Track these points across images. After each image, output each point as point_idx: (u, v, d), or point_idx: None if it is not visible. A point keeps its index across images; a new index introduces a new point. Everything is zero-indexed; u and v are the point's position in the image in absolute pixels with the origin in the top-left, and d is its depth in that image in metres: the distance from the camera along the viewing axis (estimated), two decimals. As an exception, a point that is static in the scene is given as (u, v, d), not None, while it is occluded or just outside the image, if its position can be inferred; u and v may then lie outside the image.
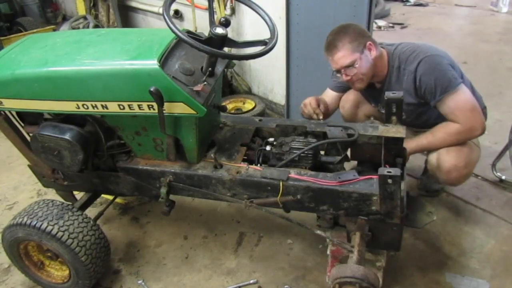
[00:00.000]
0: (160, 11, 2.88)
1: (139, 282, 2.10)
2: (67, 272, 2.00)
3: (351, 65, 1.97)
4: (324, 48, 2.04)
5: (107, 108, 1.67)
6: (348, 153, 1.93)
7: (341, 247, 1.71)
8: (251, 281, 2.06)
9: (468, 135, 1.96)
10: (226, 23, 1.67)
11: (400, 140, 1.74)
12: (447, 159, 1.97)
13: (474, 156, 2.04)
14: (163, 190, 1.84)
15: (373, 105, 2.29)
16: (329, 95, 2.39)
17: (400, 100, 1.77)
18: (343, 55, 1.97)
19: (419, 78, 1.96)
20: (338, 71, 2.03)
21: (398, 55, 2.05)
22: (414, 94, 2.02)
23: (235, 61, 3.72)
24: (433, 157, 2.05)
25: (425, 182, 2.54)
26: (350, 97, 2.34)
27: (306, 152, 1.78)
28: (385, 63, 2.07)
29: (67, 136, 1.77)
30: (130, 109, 1.66)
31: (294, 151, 1.80)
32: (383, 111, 2.18)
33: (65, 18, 6.70)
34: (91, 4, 5.11)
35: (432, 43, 3.74)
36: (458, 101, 1.92)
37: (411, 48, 2.03)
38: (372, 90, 2.20)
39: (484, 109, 2.18)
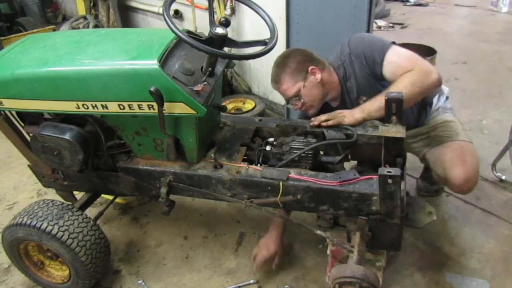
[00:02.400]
0: (160, 11, 2.88)
1: (139, 282, 2.10)
2: (67, 272, 2.00)
3: (296, 96, 2.00)
4: (270, 82, 2.10)
5: (107, 108, 1.67)
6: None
7: (341, 247, 1.71)
8: (251, 281, 2.06)
9: (426, 77, 1.82)
10: (226, 23, 1.67)
11: (400, 140, 1.74)
12: (456, 174, 1.92)
13: (477, 161, 2.02)
14: (163, 190, 1.84)
15: None
16: None
17: (400, 100, 1.77)
18: (287, 88, 2.01)
19: (357, 54, 1.96)
20: (287, 101, 2.07)
21: (337, 55, 2.06)
22: (364, 71, 1.98)
23: (235, 61, 3.72)
24: (439, 172, 2.01)
25: (425, 182, 2.55)
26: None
27: (306, 152, 1.78)
28: (333, 75, 2.05)
29: (67, 136, 1.77)
30: (130, 109, 1.66)
31: (294, 151, 1.80)
32: None
33: (65, 18, 6.70)
34: (91, 4, 5.11)
35: (432, 43, 3.77)
36: (398, 53, 1.89)
37: (341, 43, 2.07)
38: (331, 109, 2.08)
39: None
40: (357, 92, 2.05)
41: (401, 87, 1.78)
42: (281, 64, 2.02)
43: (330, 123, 1.88)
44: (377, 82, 1.98)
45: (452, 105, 2.25)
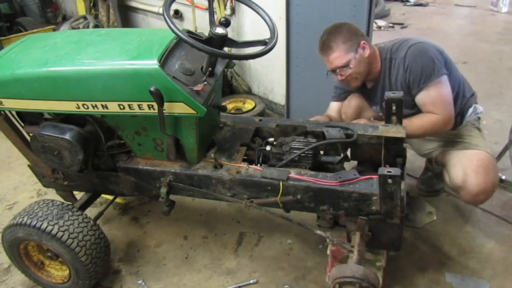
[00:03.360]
0: (160, 11, 2.88)
1: (139, 282, 2.10)
2: (67, 272, 2.00)
3: (346, 66, 2.00)
4: (319, 49, 2.06)
5: (107, 108, 1.67)
6: (348, 153, 1.93)
7: (341, 247, 1.71)
8: (251, 281, 2.06)
9: (442, 127, 1.96)
10: (226, 23, 1.67)
11: (400, 140, 1.74)
12: (476, 183, 1.92)
13: (497, 178, 2.03)
14: (163, 190, 1.84)
15: (373, 108, 2.29)
16: (335, 108, 2.36)
17: (400, 100, 1.77)
18: (338, 56, 1.99)
19: (407, 64, 1.98)
20: (333, 70, 2.06)
21: (390, 47, 2.09)
22: (404, 83, 2.02)
23: (235, 61, 3.72)
24: (457, 177, 2.00)
25: (425, 182, 2.54)
26: (352, 103, 2.31)
27: (306, 152, 1.78)
28: (378, 59, 2.09)
29: (67, 136, 1.77)
30: (130, 109, 1.66)
31: (294, 151, 1.80)
32: (380, 114, 2.19)
33: (65, 18, 6.70)
34: (91, 4, 5.11)
35: (432, 43, 3.74)
36: (441, 91, 1.94)
37: (401, 40, 2.08)
38: (364, 90, 2.21)
39: (472, 95, 2.19)
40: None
41: (415, 123, 1.96)
42: (335, 32, 2.01)
43: None
44: (409, 97, 2.02)
45: (481, 127, 2.23)
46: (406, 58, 1.98)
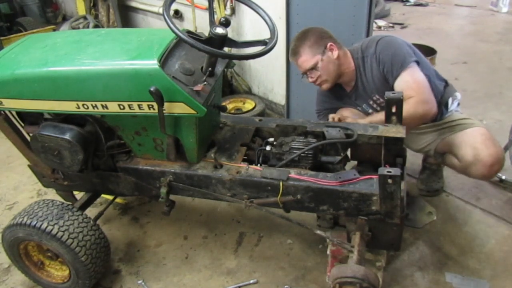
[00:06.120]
0: (160, 11, 2.88)
1: (139, 282, 2.10)
2: (67, 272, 2.00)
3: (313, 68, 2.11)
4: (289, 54, 2.19)
5: (107, 108, 1.67)
6: (348, 153, 1.93)
7: (341, 247, 1.71)
8: (251, 281, 2.06)
9: (425, 108, 1.98)
10: (226, 23, 1.67)
11: (400, 140, 1.74)
12: (489, 153, 1.97)
13: (501, 147, 2.08)
14: (163, 190, 1.84)
15: (358, 108, 2.29)
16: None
17: (400, 100, 1.77)
18: (305, 59, 2.11)
19: (378, 57, 2.06)
20: (304, 73, 2.16)
21: (360, 47, 2.17)
22: (381, 77, 2.09)
23: (235, 61, 3.72)
24: (467, 155, 2.03)
25: (425, 182, 2.55)
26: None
27: (306, 152, 1.78)
28: (349, 59, 2.16)
29: (67, 136, 1.77)
30: (130, 109, 1.66)
31: (294, 151, 1.80)
32: (370, 111, 2.20)
33: (65, 18, 6.70)
34: (91, 4, 5.11)
35: (432, 43, 3.77)
36: (414, 75, 2.00)
37: (369, 38, 2.18)
38: (345, 95, 2.27)
39: (447, 86, 2.26)
40: (372, 90, 2.15)
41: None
42: (301, 37, 2.12)
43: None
44: (390, 88, 2.06)
45: (462, 112, 2.30)
46: (376, 52, 2.07)
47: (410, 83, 1.98)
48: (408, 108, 1.92)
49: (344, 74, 2.16)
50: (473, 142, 2.03)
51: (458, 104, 2.29)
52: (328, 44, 2.08)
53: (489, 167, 1.99)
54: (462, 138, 2.09)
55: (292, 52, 2.16)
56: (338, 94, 2.28)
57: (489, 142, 2.01)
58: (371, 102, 2.19)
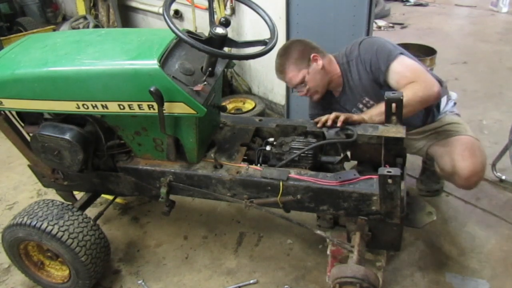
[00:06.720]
0: (160, 11, 2.88)
1: (139, 282, 2.10)
2: (67, 272, 2.00)
3: (302, 83, 2.09)
4: (275, 72, 2.16)
5: (107, 108, 1.67)
6: (348, 153, 1.93)
7: (341, 247, 1.71)
8: (251, 281, 2.06)
9: (428, 91, 1.88)
10: (226, 23, 1.67)
11: (400, 140, 1.74)
12: (465, 166, 1.94)
13: (485, 157, 2.04)
14: (163, 190, 1.84)
15: (352, 111, 2.25)
16: None
17: (400, 100, 1.77)
18: (292, 76, 2.10)
19: (363, 59, 2.03)
20: (295, 87, 2.16)
21: (344, 52, 2.15)
22: (367, 76, 2.06)
23: (235, 61, 3.72)
24: (446, 165, 2.02)
25: (425, 182, 2.55)
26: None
27: (306, 152, 1.78)
28: (335, 65, 2.14)
29: (67, 136, 1.77)
30: (130, 109, 1.66)
31: (294, 151, 1.80)
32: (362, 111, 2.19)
33: (65, 18, 6.70)
34: (91, 4, 5.11)
35: (432, 43, 3.77)
36: (404, 63, 1.95)
37: (351, 42, 2.14)
38: (335, 101, 2.23)
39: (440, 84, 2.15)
40: (360, 93, 2.11)
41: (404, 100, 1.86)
42: (284, 54, 2.10)
43: (341, 118, 1.87)
44: (382, 88, 2.02)
45: (459, 112, 2.27)
46: (360, 54, 2.06)
47: (403, 72, 1.93)
48: (411, 95, 1.83)
49: (332, 80, 2.14)
50: (452, 153, 1.99)
51: (455, 104, 2.27)
52: (312, 56, 2.05)
53: (465, 180, 1.96)
54: (444, 148, 2.06)
55: (277, 70, 2.14)
56: (327, 99, 2.24)
57: (466, 153, 1.96)
58: (360, 106, 2.15)
